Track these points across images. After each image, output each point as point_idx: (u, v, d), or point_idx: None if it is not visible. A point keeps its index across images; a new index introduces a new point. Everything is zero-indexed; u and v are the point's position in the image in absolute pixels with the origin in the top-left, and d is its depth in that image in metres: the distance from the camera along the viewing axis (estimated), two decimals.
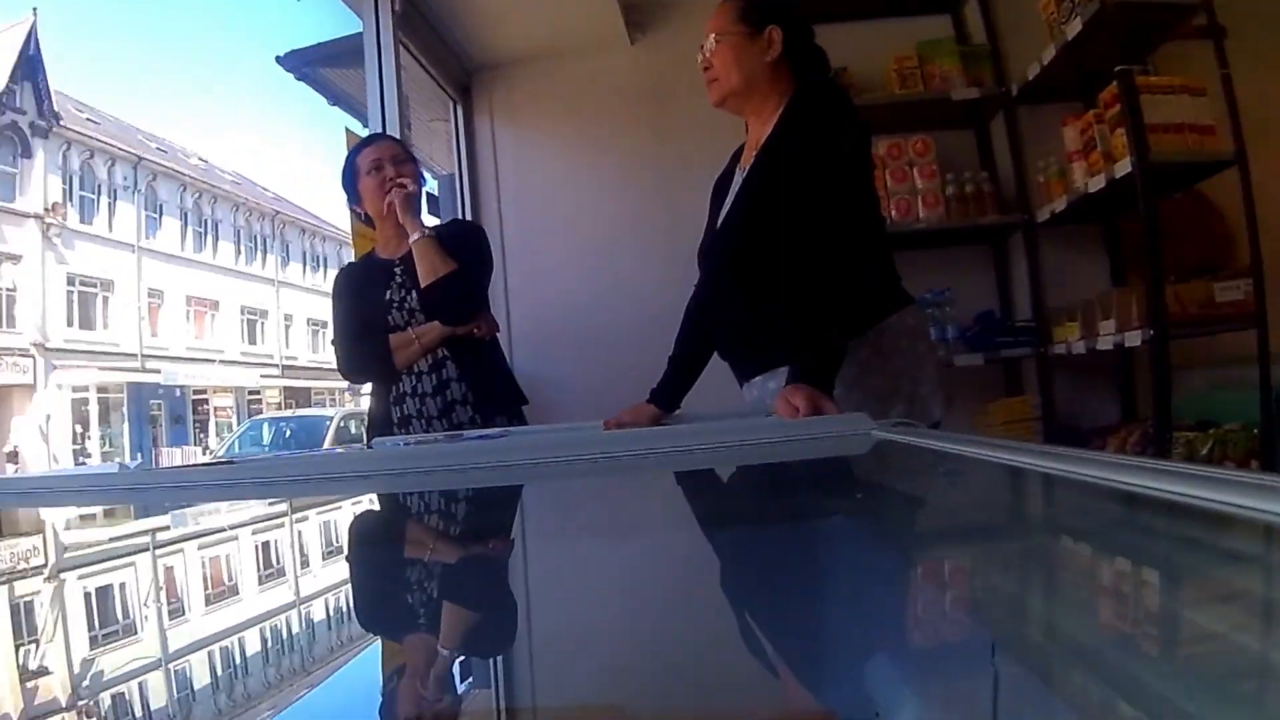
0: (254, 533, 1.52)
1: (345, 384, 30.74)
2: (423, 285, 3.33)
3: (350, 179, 3.56)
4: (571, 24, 5.44)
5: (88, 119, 34.90)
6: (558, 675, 0.66)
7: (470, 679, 0.69)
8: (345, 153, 3.72)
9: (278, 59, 5.52)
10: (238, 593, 1.05)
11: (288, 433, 21.02)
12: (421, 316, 3.38)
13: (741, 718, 0.55)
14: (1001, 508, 1.20)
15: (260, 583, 1.09)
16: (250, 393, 40.31)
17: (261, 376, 40.56)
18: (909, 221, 5.09)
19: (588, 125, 5.69)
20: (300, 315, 42.98)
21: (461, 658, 0.72)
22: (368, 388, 3.72)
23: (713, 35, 2.75)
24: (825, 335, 2.34)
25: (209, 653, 0.77)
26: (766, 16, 2.72)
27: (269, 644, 0.80)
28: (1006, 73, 5.34)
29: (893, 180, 5.14)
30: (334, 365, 3.70)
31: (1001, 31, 5.43)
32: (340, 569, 1.20)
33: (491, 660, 0.71)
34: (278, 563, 1.25)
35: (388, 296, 3.41)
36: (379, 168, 3.46)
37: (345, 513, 1.71)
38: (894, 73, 5.28)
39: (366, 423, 3.72)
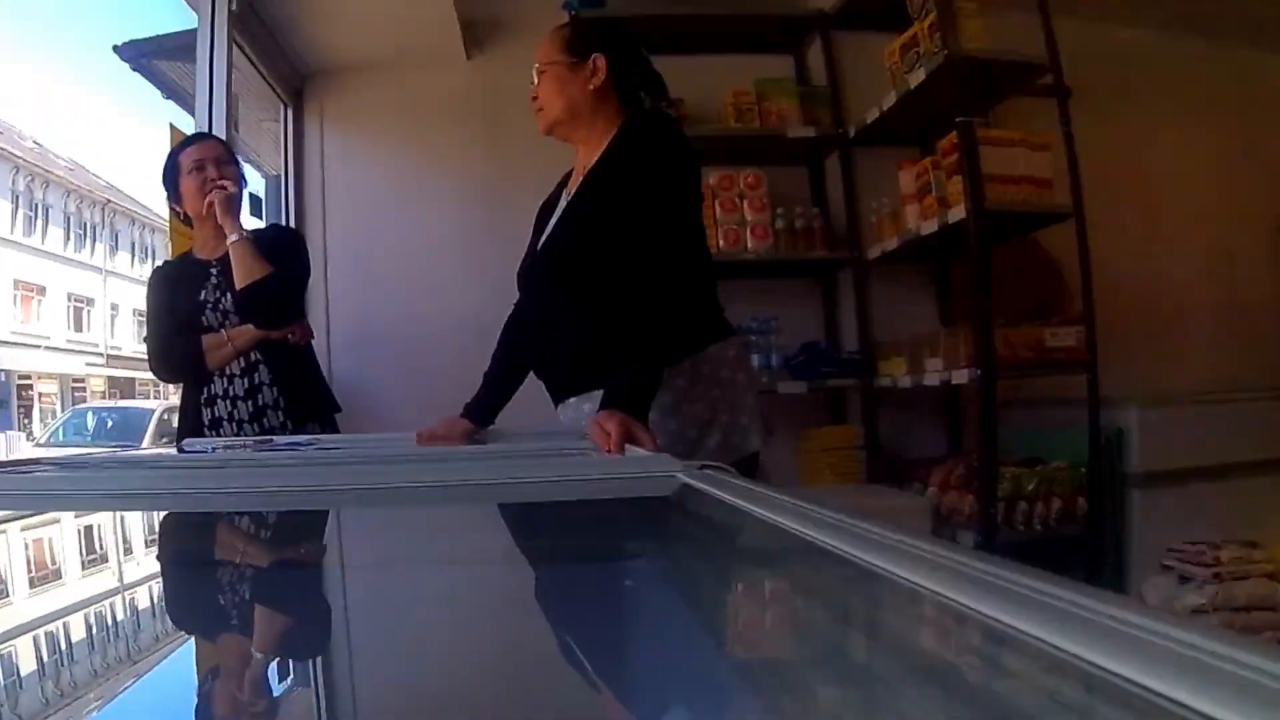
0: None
1: None
2: (238, 287, 3.28)
3: (171, 177, 3.51)
4: (409, 35, 5.38)
5: None
6: None
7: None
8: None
9: (115, 48, 5.38)
10: None
11: (110, 423, 20.55)
12: (236, 319, 3.35)
13: None
14: (770, 575, 1.20)
15: None
16: (75, 380, 39.09)
17: (87, 365, 39.45)
18: (737, 251, 5.12)
19: (419, 137, 5.64)
20: (127, 305, 41.96)
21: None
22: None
23: (537, 65, 2.77)
24: (642, 362, 2.33)
25: None
26: (591, 45, 2.74)
27: None
28: (845, 115, 5.42)
29: (722, 210, 5.16)
30: None
31: (843, 75, 5.52)
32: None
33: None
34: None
35: (202, 297, 3.38)
36: (200, 168, 3.42)
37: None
38: (731, 106, 5.32)
39: (177, 421, 3.65)
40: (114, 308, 41.81)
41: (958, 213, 4.36)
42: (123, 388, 40.16)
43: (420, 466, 2.08)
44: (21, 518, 1.64)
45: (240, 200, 3.49)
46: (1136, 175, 5.48)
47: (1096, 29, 5.37)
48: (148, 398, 31.84)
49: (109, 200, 42.07)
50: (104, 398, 35.86)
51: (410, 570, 1.21)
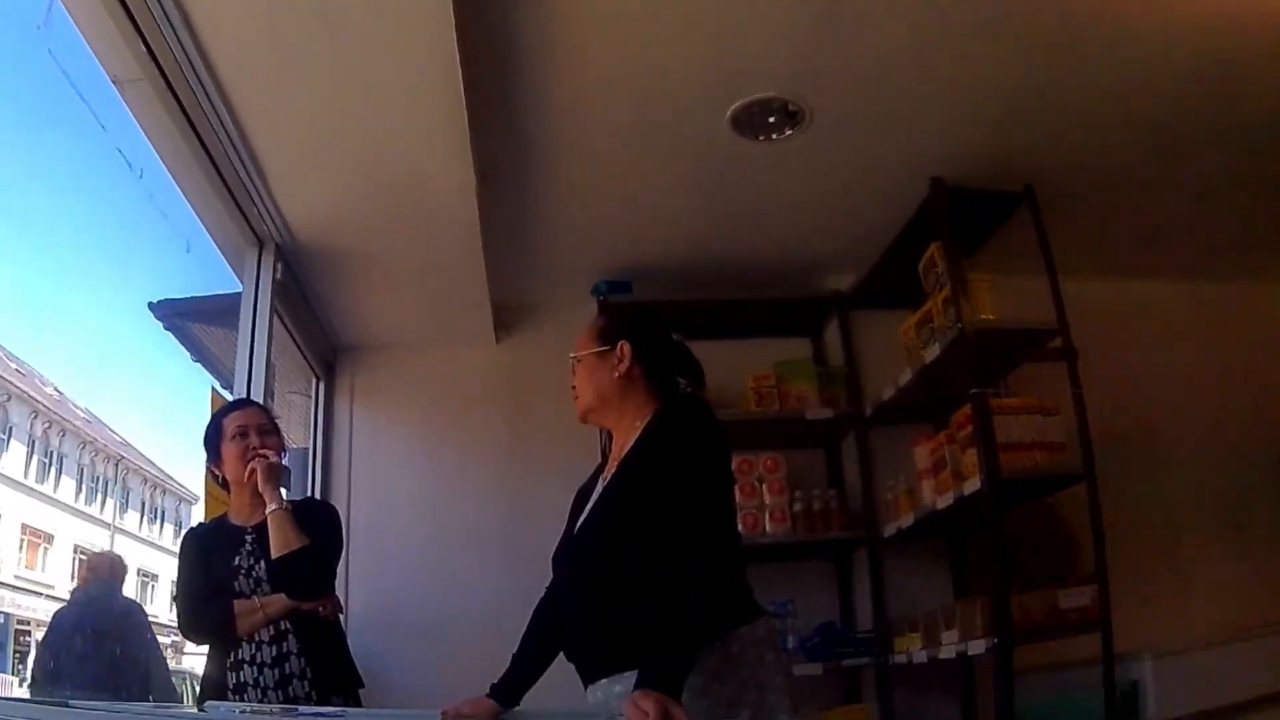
0: None
1: (169, 640, 29.39)
2: (274, 557, 3.32)
3: (214, 440, 3.59)
4: (442, 315, 5.56)
5: None
6: None
7: None
8: (202, 412, 3.80)
9: (150, 305, 5.43)
10: None
11: None
12: (268, 586, 3.37)
13: None
14: None
15: None
16: None
17: None
18: (755, 535, 5.16)
19: (446, 417, 5.76)
20: (133, 564, 41.37)
21: None
22: (194, 646, 3.66)
23: (573, 355, 2.94)
24: (675, 643, 2.36)
25: None
26: (617, 333, 2.91)
27: None
28: (862, 394, 5.55)
29: (741, 495, 5.23)
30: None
31: (859, 354, 5.70)
32: None
33: None
34: None
35: (236, 562, 3.40)
36: (244, 434, 3.52)
37: None
38: (751, 391, 5.46)
39: (200, 683, 3.59)
40: None
41: (973, 484, 4.40)
42: None
43: None
44: None
45: (283, 471, 3.56)
46: (1145, 427, 5.61)
47: (1098, 284, 5.58)
48: None
49: (122, 457, 41.91)
50: None
51: None
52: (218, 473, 3.64)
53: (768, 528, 5.24)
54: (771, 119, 4.35)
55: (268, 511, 3.39)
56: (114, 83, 3.19)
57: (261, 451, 3.48)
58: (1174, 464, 5.64)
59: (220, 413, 3.68)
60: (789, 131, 4.42)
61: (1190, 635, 4.82)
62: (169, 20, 3.06)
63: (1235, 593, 5.33)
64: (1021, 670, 4.20)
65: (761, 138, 4.45)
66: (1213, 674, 4.58)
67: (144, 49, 3.05)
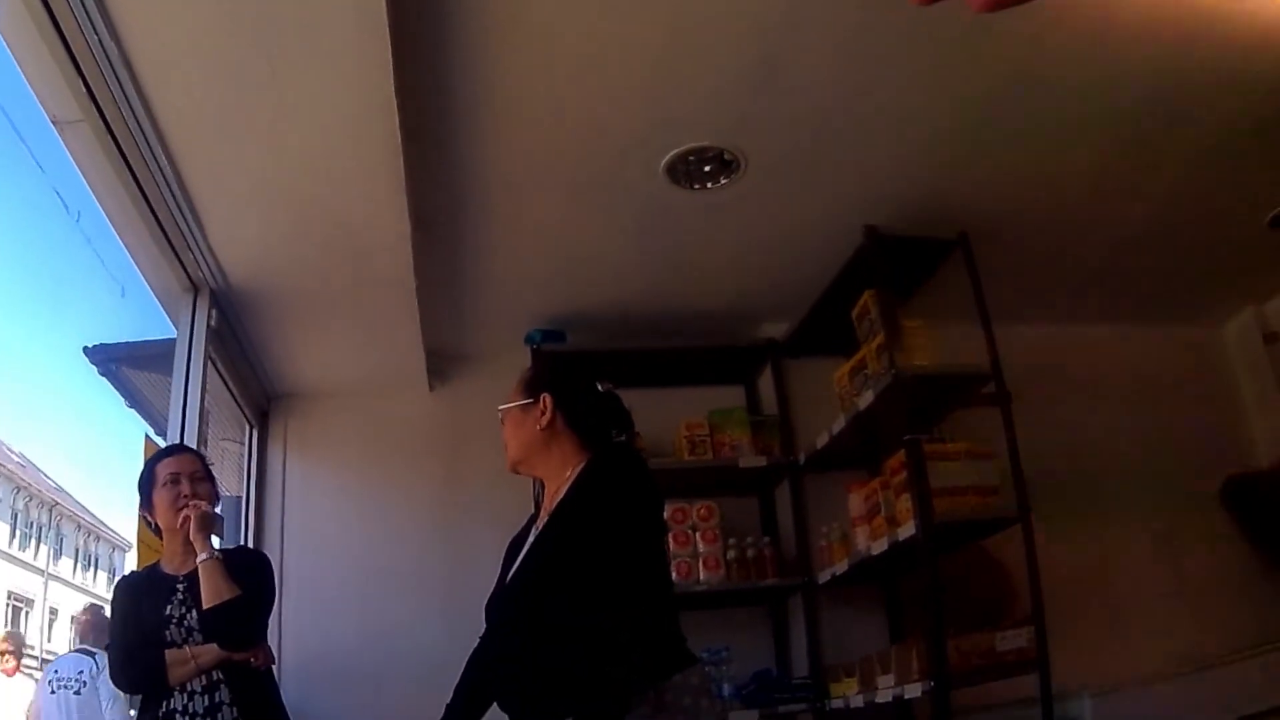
0: None
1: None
2: (206, 608, 3.30)
3: (147, 486, 3.57)
4: (377, 364, 5.57)
5: None
6: None
7: None
8: (135, 458, 3.79)
9: (85, 350, 5.44)
10: None
11: None
12: (200, 636, 3.35)
13: None
14: None
15: None
16: None
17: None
18: (689, 583, 5.14)
19: (380, 465, 5.74)
20: (66, 610, 40.85)
21: None
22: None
23: (500, 409, 2.97)
24: (608, 692, 2.38)
25: None
26: (539, 385, 2.96)
27: None
28: (795, 441, 5.58)
29: (675, 544, 5.22)
30: None
31: (793, 402, 5.73)
32: None
33: None
34: None
35: (168, 611, 3.38)
36: (176, 481, 3.51)
37: None
38: (685, 439, 5.47)
39: None
40: (53, 612, 40.68)
41: (907, 530, 4.41)
42: None
43: None
44: None
45: (216, 519, 3.55)
46: (1079, 469, 5.64)
47: (1031, 329, 5.69)
48: None
49: (56, 502, 41.39)
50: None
51: None
52: (150, 519, 3.61)
53: (702, 575, 5.22)
54: (706, 168, 4.39)
55: (199, 561, 3.37)
56: (54, 124, 3.18)
57: (194, 501, 3.46)
58: (1110, 505, 5.69)
59: (154, 459, 3.66)
60: (724, 180, 4.46)
61: (1130, 673, 4.86)
62: (110, 63, 3.06)
63: (1173, 630, 5.40)
64: (960, 712, 4.22)
65: (696, 187, 4.49)
66: (1152, 711, 4.63)
67: (85, 90, 3.05)
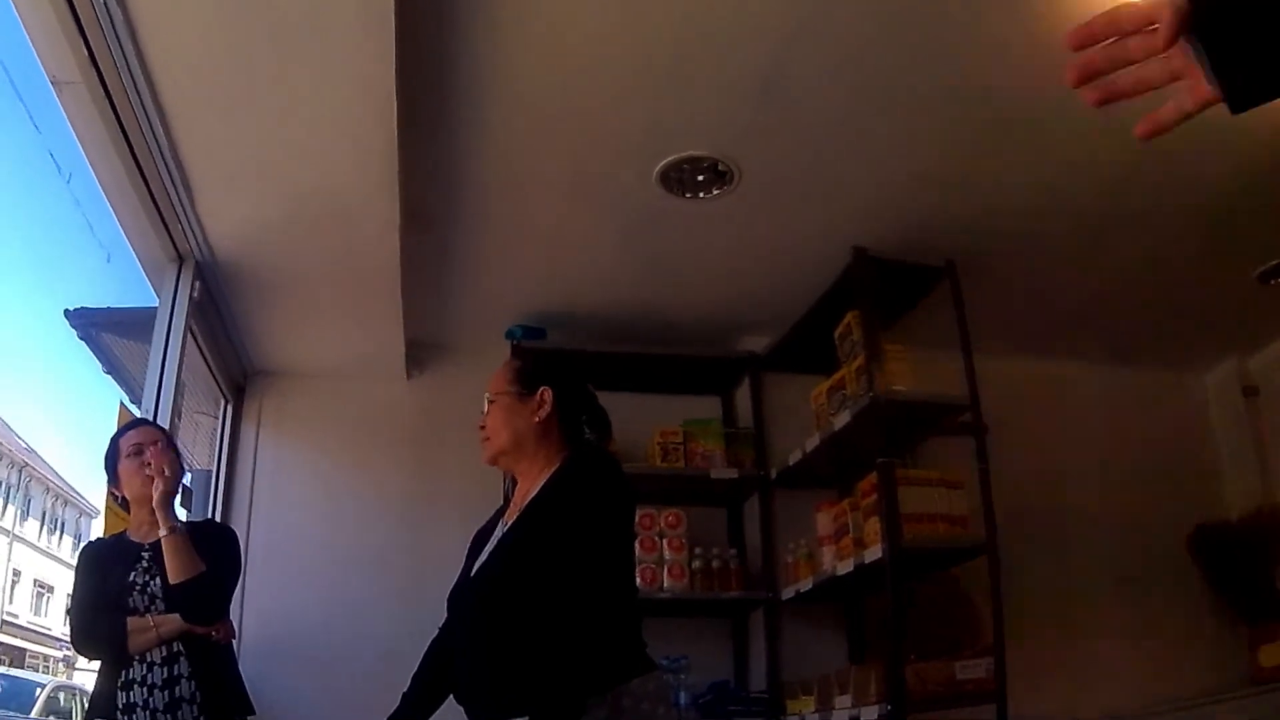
0: None
1: (61, 654, 29.02)
2: (172, 582, 3.31)
3: (112, 460, 3.58)
4: (355, 348, 5.56)
5: None
6: None
7: None
8: (110, 426, 3.78)
9: (66, 312, 5.32)
10: None
11: None
12: (163, 604, 3.35)
13: None
14: None
15: None
16: None
17: None
18: (653, 590, 5.15)
19: (352, 449, 5.73)
20: (29, 574, 40.67)
21: None
22: (87, 663, 3.62)
23: (488, 395, 2.92)
24: (564, 692, 2.38)
25: None
26: (540, 378, 2.93)
27: None
28: (768, 456, 5.58)
29: (641, 549, 5.21)
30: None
31: (768, 416, 5.72)
32: None
33: None
34: None
35: (131, 578, 3.39)
36: (139, 452, 3.51)
37: None
38: (658, 446, 5.47)
39: (90, 700, 3.58)
40: (16, 574, 40.50)
41: (874, 553, 4.42)
42: (12, 655, 38.55)
43: None
44: None
45: (176, 491, 3.54)
46: (1050, 505, 5.67)
47: (1012, 361, 5.70)
48: (37, 670, 30.60)
49: (26, 463, 41.23)
50: None
51: None
52: (118, 494, 3.64)
53: (666, 583, 5.23)
54: (700, 177, 4.40)
55: (161, 535, 3.37)
56: (52, 84, 3.18)
57: (156, 472, 3.45)
58: (1079, 541, 5.72)
59: (118, 432, 3.68)
60: (716, 191, 4.47)
61: (1087, 712, 4.89)
62: (113, 26, 3.04)
63: (1133, 672, 5.42)
64: None
65: (689, 195, 4.50)
66: None
67: (86, 52, 3.05)
